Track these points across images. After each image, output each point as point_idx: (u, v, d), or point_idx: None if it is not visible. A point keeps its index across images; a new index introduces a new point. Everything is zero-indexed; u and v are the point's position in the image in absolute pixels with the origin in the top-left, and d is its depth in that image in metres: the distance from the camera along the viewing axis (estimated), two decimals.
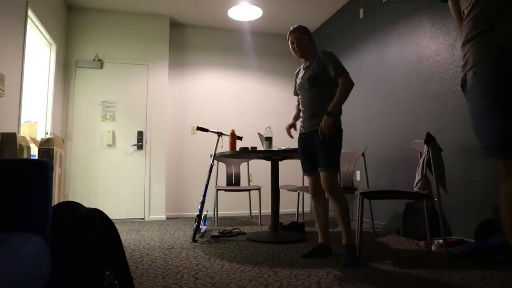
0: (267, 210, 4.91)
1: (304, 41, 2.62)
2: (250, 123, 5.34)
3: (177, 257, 2.49)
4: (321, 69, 2.53)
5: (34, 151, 3.08)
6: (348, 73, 2.51)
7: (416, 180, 2.68)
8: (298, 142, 2.73)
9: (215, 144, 3.55)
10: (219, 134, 3.55)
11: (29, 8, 3.22)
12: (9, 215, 1.16)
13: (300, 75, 2.72)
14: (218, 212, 4.90)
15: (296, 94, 2.85)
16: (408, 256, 2.47)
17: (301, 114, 2.74)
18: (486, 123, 1.29)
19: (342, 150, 3.94)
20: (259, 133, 3.41)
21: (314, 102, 2.56)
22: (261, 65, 5.53)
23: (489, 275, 1.99)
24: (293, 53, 2.67)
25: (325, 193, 2.53)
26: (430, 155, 2.47)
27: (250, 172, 4.88)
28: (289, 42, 2.65)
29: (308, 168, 2.61)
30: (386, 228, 3.70)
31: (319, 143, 2.47)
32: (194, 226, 3.14)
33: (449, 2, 1.58)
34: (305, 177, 2.71)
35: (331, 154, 2.45)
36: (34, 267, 0.96)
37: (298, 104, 2.86)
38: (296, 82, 2.79)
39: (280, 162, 3.36)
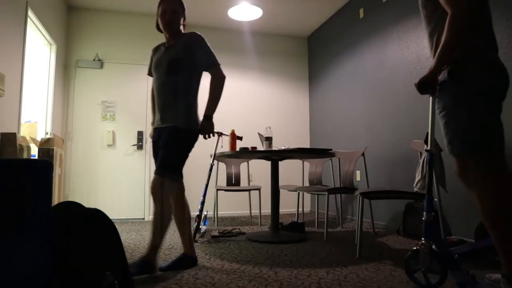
0: (267, 210, 4.91)
1: (179, 15, 2.21)
2: (250, 123, 5.34)
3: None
4: (187, 53, 2.15)
5: (34, 151, 3.08)
6: (220, 64, 2.22)
7: (416, 180, 2.68)
8: (152, 138, 2.29)
9: (215, 144, 3.56)
10: (219, 134, 3.55)
11: (29, 8, 3.22)
12: (9, 215, 1.16)
13: (159, 54, 2.27)
14: (218, 212, 4.90)
15: (150, 74, 2.37)
16: None
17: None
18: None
19: (342, 150, 3.96)
20: (259, 133, 3.41)
21: (169, 92, 2.15)
22: (261, 65, 5.53)
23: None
24: (160, 24, 2.22)
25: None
26: None
27: (250, 172, 4.88)
28: (160, 11, 2.19)
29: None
30: (386, 228, 3.70)
31: (162, 142, 2.12)
32: (194, 226, 3.14)
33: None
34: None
35: (171, 156, 2.09)
36: (34, 267, 0.96)
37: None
38: (152, 60, 2.34)
39: (280, 162, 3.36)
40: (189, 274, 2.05)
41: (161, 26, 2.24)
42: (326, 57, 5.17)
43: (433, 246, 1.68)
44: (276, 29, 5.44)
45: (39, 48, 3.95)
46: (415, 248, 1.73)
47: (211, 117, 2.20)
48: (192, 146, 2.19)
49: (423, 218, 1.76)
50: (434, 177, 2.38)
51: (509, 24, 2.53)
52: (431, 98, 1.75)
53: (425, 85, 1.62)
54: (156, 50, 2.34)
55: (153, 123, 2.32)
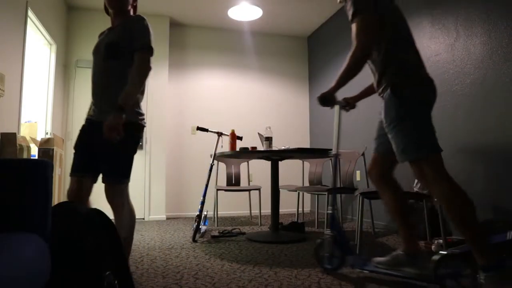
0: (267, 210, 4.91)
1: None
2: (250, 123, 5.34)
3: (177, 257, 2.49)
4: (127, 36, 1.86)
5: (34, 151, 3.08)
6: (151, 54, 1.86)
7: (416, 180, 2.68)
8: (81, 129, 1.96)
9: (215, 144, 3.55)
10: (219, 134, 3.55)
11: (29, 8, 3.22)
12: (9, 215, 1.16)
13: (101, 37, 2.03)
14: (218, 212, 4.89)
15: None
16: None
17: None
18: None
19: (342, 150, 3.95)
20: (259, 133, 3.41)
21: (108, 80, 1.89)
22: (261, 65, 5.53)
23: None
24: (107, 3, 1.97)
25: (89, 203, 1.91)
26: None
27: (250, 172, 4.89)
28: None
29: (81, 168, 1.85)
30: (386, 228, 3.70)
31: (106, 141, 1.72)
32: (194, 226, 3.14)
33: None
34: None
35: (120, 158, 1.81)
36: (34, 267, 0.96)
37: None
38: None
39: (280, 162, 3.36)
40: (189, 274, 2.05)
41: (106, 2, 1.97)
42: (326, 57, 5.17)
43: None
44: (276, 29, 5.44)
45: (39, 48, 3.95)
46: (322, 238, 2.06)
47: (122, 109, 1.71)
48: (139, 140, 1.88)
49: (328, 212, 2.03)
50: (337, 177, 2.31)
51: (509, 24, 2.53)
52: (336, 108, 2.13)
53: (324, 100, 1.96)
54: (101, 35, 2.07)
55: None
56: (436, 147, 1.73)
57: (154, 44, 1.90)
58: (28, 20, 3.26)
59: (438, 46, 3.16)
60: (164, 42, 4.92)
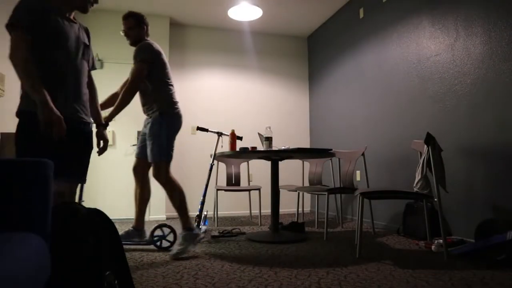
0: (267, 210, 4.91)
1: None
2: (250, 123, 5.34)
3: None
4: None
5: None
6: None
7: (416, 180, 2.68)
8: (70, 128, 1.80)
9: (215, 144, 3.55)
10: (219, 134, 3.55)
11: None
12: (9, 215, 1.16)
13: (69, 27, 1.86)
14: (218, 212, 4.90)
15: None
16: (408, 256, 2.47)
17: None
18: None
19: (342, 150, 3.96)
20: (259, 133, 3.41)
21: (83, 80, 1.83)
22: (261, 65, 5.53)
23: (489, 275, 1.99)
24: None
25: None
26: (430, 155, 2.47)
27: (250, 172, 4.88)
28: None
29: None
30: (386, 228, 3.70)
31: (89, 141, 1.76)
32: (195, 226, 3.14)
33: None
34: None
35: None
36: (34, 267, 0.96)
37: None
38: None
39: (280, 162, 3.36)
40: (189, 274, 2.05)
41: None
42: (326, 57, 5.17)
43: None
44: (276, 29, 5.44)
45: None
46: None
47: (107, 123, 2.13)
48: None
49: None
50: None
51: (509, 24, 2.53)
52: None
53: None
54: (51, 14, 1.79)
55: None
56: (169, 157, 2.59)
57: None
58: None
59: (438, 46, 3.16)
60: (164, 42, 4.92)
